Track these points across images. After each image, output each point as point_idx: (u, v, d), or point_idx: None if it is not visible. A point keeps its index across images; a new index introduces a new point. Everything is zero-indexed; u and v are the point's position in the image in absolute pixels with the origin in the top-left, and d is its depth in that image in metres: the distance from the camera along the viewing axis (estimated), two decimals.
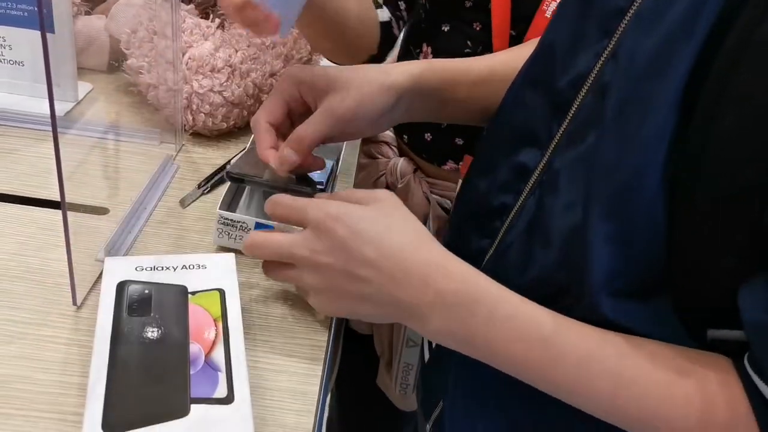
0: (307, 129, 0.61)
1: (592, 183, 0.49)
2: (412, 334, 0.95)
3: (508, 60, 0.69)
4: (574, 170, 0.51)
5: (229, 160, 0.80)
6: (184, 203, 0.74)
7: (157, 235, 0.69)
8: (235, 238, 0.67)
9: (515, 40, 0.82)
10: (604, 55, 0.50)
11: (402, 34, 0.94)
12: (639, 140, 0.45)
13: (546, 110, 0.55)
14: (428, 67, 0.66)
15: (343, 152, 0.81)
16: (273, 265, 0.58)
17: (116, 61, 0.94)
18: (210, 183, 0.77)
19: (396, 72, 0.64)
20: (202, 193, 0.76)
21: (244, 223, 0.66)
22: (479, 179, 0.63)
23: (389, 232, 0.52)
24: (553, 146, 0.54)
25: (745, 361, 0.45)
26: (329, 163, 0.70)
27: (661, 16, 0.45)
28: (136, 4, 0.88)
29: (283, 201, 0.58)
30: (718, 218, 0.43)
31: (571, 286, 0.51)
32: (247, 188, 0.71)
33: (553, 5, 0.79)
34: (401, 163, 0.96)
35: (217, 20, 0.90)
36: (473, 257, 0.56)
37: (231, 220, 0.66)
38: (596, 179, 0.48)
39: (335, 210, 0.54)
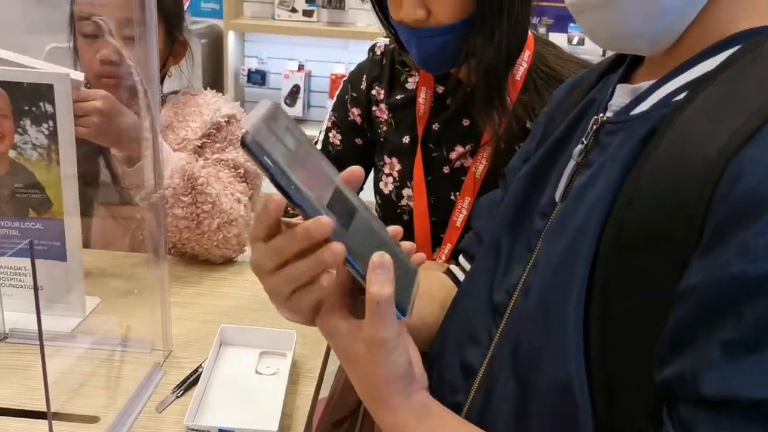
0: None
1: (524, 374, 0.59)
2: None
3: None
4: (508, 363, 0.62)
5: (201, 364, 0.92)
6: (158, 408, 0.85)
7: None
8: None
9: None
10: (528, 266, 0.65)
11: None
12: (557, 320, 0.56)
13: (486, 316, 0.68)
14: None
15: None
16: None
17: None
18: (183, 387, 0.89)
19: None
20: (176, 397, 0.87)
21: (209, 430, 0.77)
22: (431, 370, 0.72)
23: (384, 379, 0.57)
24: (493, 346, 0.66)
25: None
26: None
27: (565, 226, 0.59)
28: None
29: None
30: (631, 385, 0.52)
31: None
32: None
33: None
34: None
35: None
36: None
37: (197, 429, 0.77)
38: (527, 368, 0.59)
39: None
